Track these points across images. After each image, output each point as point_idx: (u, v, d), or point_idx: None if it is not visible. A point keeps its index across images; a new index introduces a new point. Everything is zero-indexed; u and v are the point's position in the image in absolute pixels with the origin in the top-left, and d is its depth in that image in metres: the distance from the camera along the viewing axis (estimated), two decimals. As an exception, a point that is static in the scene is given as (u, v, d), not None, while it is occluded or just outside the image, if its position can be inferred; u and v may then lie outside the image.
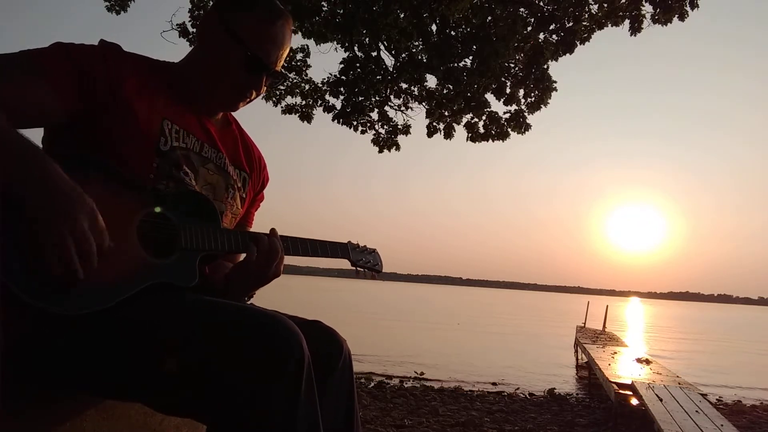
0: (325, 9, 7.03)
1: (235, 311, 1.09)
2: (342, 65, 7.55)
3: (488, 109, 7.61)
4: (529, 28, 6.86)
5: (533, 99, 7.35)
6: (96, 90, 1.18)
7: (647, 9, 6.71)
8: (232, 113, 1.50)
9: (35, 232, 0.97)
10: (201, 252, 1.23)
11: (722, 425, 4.57)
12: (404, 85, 7.88)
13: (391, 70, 7.59)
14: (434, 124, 8.02)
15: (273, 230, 1.36)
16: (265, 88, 1.39)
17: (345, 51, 7.48)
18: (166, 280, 1.15)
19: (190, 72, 1.36)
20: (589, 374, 8.74)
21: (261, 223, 1.43)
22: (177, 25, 7.38)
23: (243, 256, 1.46)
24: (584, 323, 16.55)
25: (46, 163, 1.01)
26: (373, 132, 8.19)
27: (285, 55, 1.39)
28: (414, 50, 7.49)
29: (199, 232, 1.23)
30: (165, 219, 1.19)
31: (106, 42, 1.26)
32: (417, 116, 8.13)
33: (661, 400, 5.29)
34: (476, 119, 7.83)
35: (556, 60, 7.03)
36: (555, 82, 7.14)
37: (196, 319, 1.08)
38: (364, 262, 1.64)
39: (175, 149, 1.27)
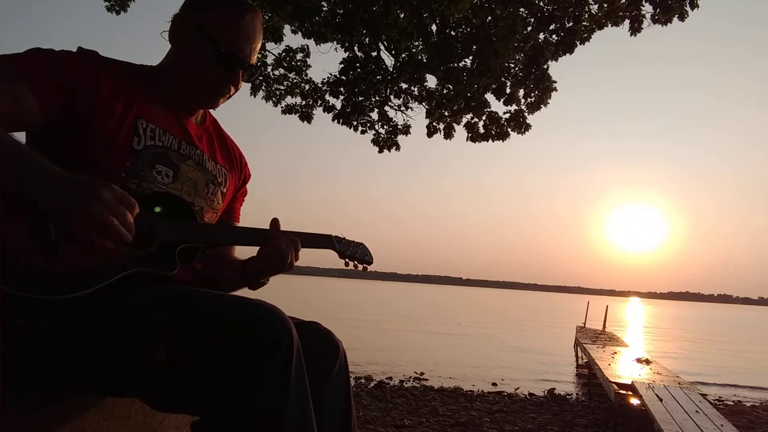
0: (325, 9, 7.02)
1: (223, 300, 1.11)
2: (342, 65, 7.54)
3: (488, 109, 7.59)
4: (529, 28, 6.85)
5: (533, 99, 7.34)
6: (76, 96, 1.19)
7: (647, 9, 6.71)
8: (210, 112, 1.52)
9: (69, 227, 1.00)
10: (179, 244, 1.24)
11: (722, 425, 4.56)
12: (404, 85, 7.86)
13: (391, 70, 7.58)
14: (434, 124, 8.01)
15: (275, 220, 1.40)
16: (242, 82, 1.41)
17: (345, 51, 7.47)
18: (146, 269, 1.17)
19: (168, 73, 1.38)
20: (589, 374, 8.74)
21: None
22: (177, 25, 7.37)
23: (233, 249, 1.49)
24: (584, 323, 16.56)
25: (45, 164, 1.03)
26: (373, 132, 8.18)
27: (258, 48, 1.41)
28: (414, 50, 7.48)
29: (174, 227, 1.24)
30: (141, 218, 1.20)
31: (84, 49, 1.28)
32: (417, 116, 8.13)
33: (661, 400, 5.29)
34: (476, 119, 7.81)
35: (556, 60, 7.02)
36: (555, 82, 7.13)
37: (186, 310, 1.09)
38: (352, 253, 1.63)
39: (149, 148, 1.28)
